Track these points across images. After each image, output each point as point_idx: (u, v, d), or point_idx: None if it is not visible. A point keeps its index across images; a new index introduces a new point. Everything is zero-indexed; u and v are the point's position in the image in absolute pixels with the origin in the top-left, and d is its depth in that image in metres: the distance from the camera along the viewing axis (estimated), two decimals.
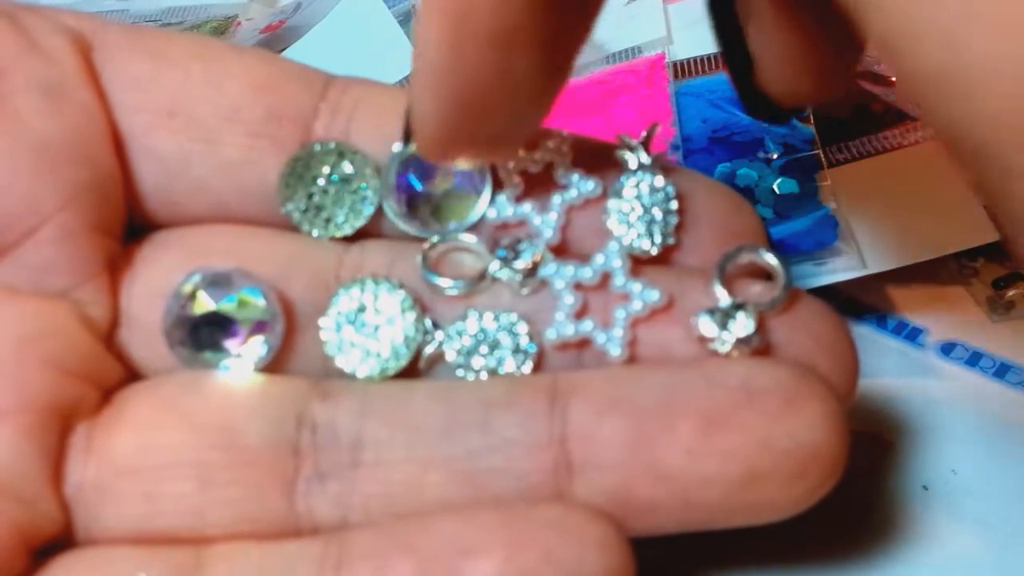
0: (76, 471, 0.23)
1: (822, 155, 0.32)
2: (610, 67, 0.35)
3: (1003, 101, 0.13)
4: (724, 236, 0.25)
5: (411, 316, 0.24)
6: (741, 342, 0.23)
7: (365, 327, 0.24)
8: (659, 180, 0.25)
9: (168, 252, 0.25)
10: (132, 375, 0.25)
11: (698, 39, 0.35)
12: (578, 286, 0.24)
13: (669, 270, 0.25)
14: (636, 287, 0.24)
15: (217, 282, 0.24)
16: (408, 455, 0.23)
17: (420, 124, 0.21)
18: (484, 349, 0.24)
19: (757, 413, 0.21)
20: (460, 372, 0.24)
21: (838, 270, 0.30)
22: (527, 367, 0.24)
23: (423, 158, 0.23)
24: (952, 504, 0.27)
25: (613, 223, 0.25)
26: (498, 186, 0.25)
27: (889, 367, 0.31)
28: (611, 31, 0.35)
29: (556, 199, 0.25)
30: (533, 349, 0.24)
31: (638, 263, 0.25)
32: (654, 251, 0.25)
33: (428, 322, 0.24)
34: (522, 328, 0.24)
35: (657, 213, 0.25)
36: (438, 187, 0.25)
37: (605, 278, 0.24)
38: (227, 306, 0.24)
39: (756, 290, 0.24)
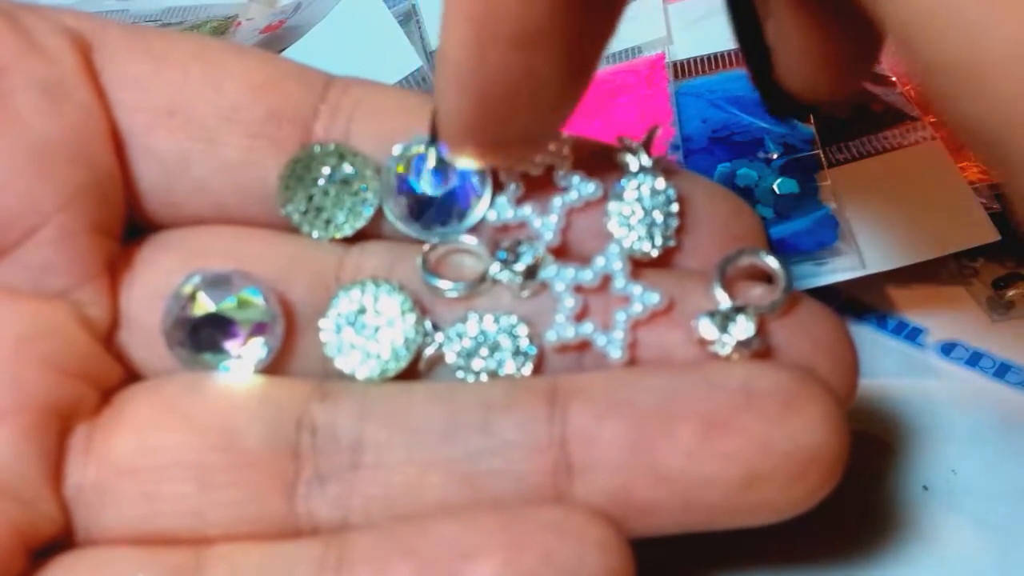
0: (76, 472, 0.23)
1: (822, 155, 0.32)
2: (610, 67, 0.35)
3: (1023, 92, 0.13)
4: (724, 239, 0.25)
5: (411, 318, 0.24)
6: (741, 345, 0.23)
7: (365, 329, 0.24)
8: (660, 183, 0.25)
9: (168, 253, 0.25)
10: (132, 376, 0.25)
11: (698, 39, 0.35)
12: (578, 288, 0.24)
13: (670, 273, 0.25)
14: (636, 290, 0.24)
15: (217, 283, 0.24)
16: (408, 457, 0.23)
17: (445, 124, 0.22)
18: (484, 351, 0.24)
19: (757, 416, 0.21)
20: (460, 374, 0.24)
21: (838, 270, 0.30)
22: (527, 369, 0.24)
23: (448, 158, 0.23)
24: (952, 504, 0.27)
25: (614, 225, 0.25)
26: (498, 188, 0.25)
27: (889, 367, 0.31)
28: None
29: (557, 201, 0.25)
30: (533, 351, 0.24)
31: (638, 266, 0.25)
32: (655, 253, 0.25)
33: (428, 324, 0.24)
34: (522, 330, 0.24)
35: (658, 216, 0.25)
36: (438, 190, 0.25)
37: (605, 280, 0.24)
38: (227, 307, 0.24)
39: (756, 293, 0.24)
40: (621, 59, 0.35)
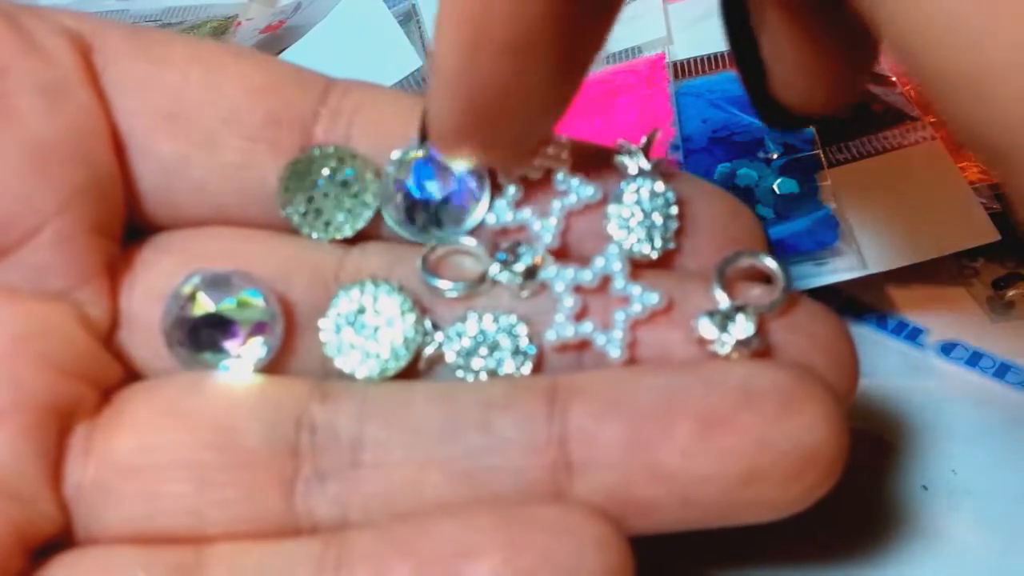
0: (76, 471, 0.23)
1: (822, 155, 0.32)
2: (610, 67, 0.35)
3: None
4: (724, 240, 0.25)
5: (411, 318, 0.24)
6: (741, 344, 0.23)
7: (365, 328, 0.24)
8: (659, 185, 0.25)
9: (168, 255, 0.25)
10: (132, 375, 0.25)
11: (698, 39, 0.35)
12: (578, 289, 0.24)
13: (669, 274, 0.25)
14: (636, 290, 0.24)
15: (217, 283, 0.24)
16: (407, 456, 0.23)
17: (435, 124, 0.22)
18: (483, 350, 0.24)
19: (756, 414, 0.21)
20: (460, 373, 0.24)
21: (838, 270, 0.30)
22: (526, 368, 0.24)
23: (437, 155, 0.23)
24: (952, 504, 0.27)
25: (613, 228, 0.25)
26: (497, 191, 0.25)
27: (889, 367, 0.31)
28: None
29: (556, 204, 0.25)
30: (532, 351, 0.24)
31: (638, 267, 0.25)
32: (654, 255, 0.25)
33: (428, 323, 0.24)
34: (522, 330, 0.24)
35: (657, 218, 0.25)
36: (437, 194, 0.25)
37: (605, 281, 0.24)
38: (227, 307, 0.24)
39: (756, 293, 0.24)
40: (621, 59, 0.35)
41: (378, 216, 0.26)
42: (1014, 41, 0.13)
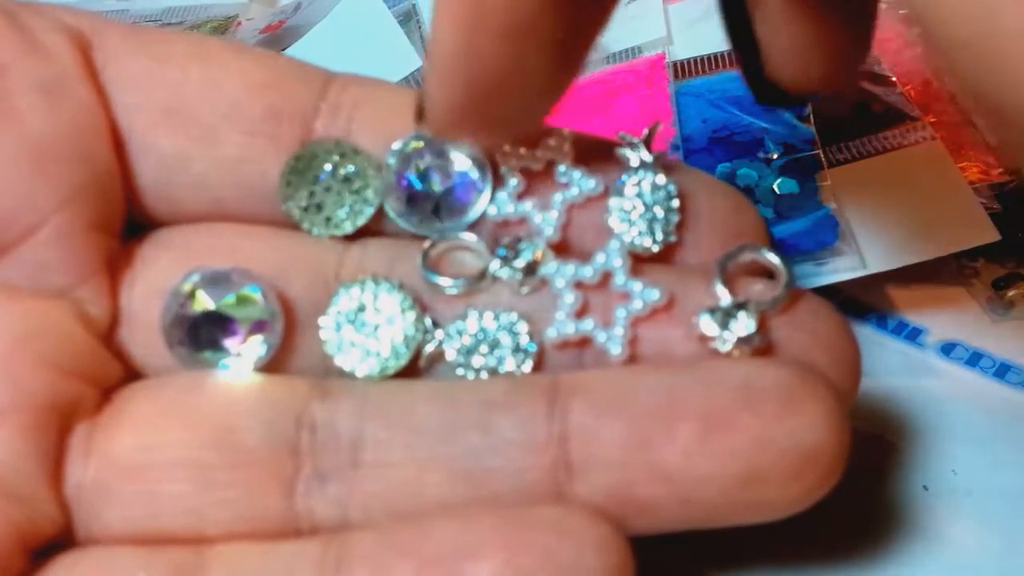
0: (76, 471, 0.23)
1: (822, 155, 0.32)
2: (610, 67, 0.35)
3: None
4: (725, 234, 0.25)
5: (411, 315, 0.24)
6: (742, 341, 0.23)
7: (365, 326, 0.24)
8: (661, 178, 0.25)
9: (168, 251, 0.25)
10: (132, 374, 0.25)
11: (698, 39, 0.35)
12: (579, 285, 0.24)
13: (670, 269, 0.25)
14: (637, 286, 0.24)
15: (216, 281, 0.24)
16: (408, 455, 0.23)
17: (431, 105, 0.22)
18: (484, 348, 0.24)
19: (757, 413, 0.21)
20: (460, 371, 0.24)
21: (838, 270, 0.30)
22: (527, 366, 0.24)
23: (433, 136, 0.24)
24: (952, 504, 0.27)
25: (614, 221, 0.25)
26: (499, 183, 0.25)
27: (889, 367, 0.31)
28: (611, 31, 0.35)
29: (557, 197, 0.25)
30: (533, 348, 0.24)
31: (639, 261, 0.25)
32: (655, 249, 0.25)
33: (428, 321, 0.24)
34: (522, 327, 0.24)
35: (659, 211, 0.25)
36: (438, 186, 0.25)
37: (606, 277, 0.24)
38: (226, 305, 0.24)
39: (757, 289, 0.24)
40: (621, 59, 0.35)
41: (379, 212, 0.26)
42: None
